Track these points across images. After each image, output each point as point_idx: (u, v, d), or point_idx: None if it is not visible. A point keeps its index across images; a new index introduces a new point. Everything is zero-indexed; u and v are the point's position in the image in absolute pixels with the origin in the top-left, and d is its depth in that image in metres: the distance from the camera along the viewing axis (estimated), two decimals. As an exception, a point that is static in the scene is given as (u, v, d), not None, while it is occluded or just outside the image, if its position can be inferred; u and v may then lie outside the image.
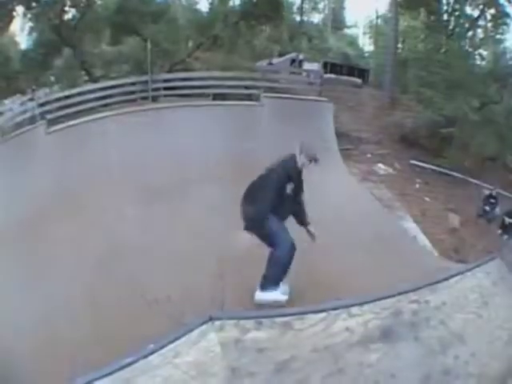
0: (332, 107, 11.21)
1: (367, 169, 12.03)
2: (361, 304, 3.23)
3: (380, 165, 12.37)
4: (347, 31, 23.94)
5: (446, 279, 3.65)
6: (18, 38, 17.77)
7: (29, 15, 14.80)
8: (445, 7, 16.26)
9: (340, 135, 11.44)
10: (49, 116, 11.62)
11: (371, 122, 14.66)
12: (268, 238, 5.27)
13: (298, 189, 5.44)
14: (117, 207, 9.10)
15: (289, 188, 5.22)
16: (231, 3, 16.31)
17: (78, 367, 3.96)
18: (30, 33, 15.78)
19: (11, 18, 14.54)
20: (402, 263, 6.95)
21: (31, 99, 12.62)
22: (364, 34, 23.88)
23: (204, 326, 3.04)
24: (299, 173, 5.35)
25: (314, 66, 15.86)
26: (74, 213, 9.04)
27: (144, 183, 9.59)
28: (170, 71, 13.69)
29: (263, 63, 16.59)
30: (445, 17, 16.17)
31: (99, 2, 15.34)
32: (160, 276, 7.25)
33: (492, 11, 15.97)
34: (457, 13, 15.97)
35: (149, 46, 12.41)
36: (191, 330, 3.02)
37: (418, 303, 3.36)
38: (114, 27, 14.83)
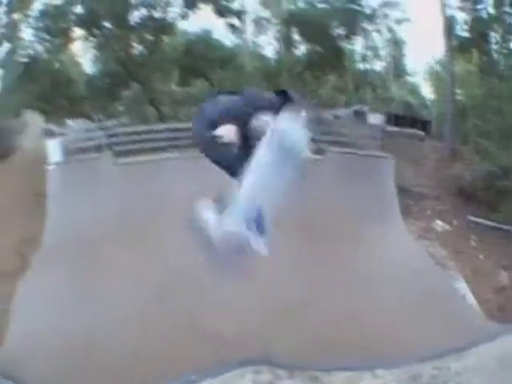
0: (393, 163, 11.27)
1: (425, 226, 11.83)
2: (385, 367, 3.37)
3: (438, 221, 12.14)
4: (409, 79, 23.57)
5: (472, 345, 3.67)
6: (80, 60, 18.09)
7: (91, 42, 15.17)
8: (494, 46, 15.75)
9: (402, 190, 11.49)
10: (117, 148, 12.44)
11: (432, 176, 14.32)
12: None
13: None
14: (177, 243, 9.49)
15: None
16: (297, 52, 16.79)
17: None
18: (94, 60, 16.33)
19: (68, 38, 14.82)
20: (447, 321, 6.92)
21: (101, 128, 13.45)
22: (425, 80, 23.43)
23: (242, 368, 3.38)
24: None
25: (378, 119, 15.86)
26: (133, 242, 9.64)
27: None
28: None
29: (330, 114, 16.84)
30: (495, 57, 15.67)
31: (167, 41, 15.64)
32: (214, 312, 7.53)
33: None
34: (505, 51, 15.43)
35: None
36: (231, 370, 3.38)
37: (440, 369, 3.43)
38: (182, 69, 15.30)
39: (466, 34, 16.28)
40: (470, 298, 8.59)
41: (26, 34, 14.95)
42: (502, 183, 12.24)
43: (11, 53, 15.71)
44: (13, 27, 15.03)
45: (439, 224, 12.02)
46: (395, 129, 16.46)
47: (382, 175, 11.07)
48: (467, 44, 16.16)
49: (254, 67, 16.47)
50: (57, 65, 14.86)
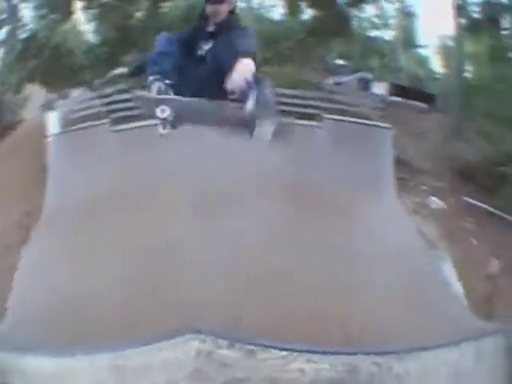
0: (391, 134, 11.09)
1: (420, 201, 11.67)
2: (323, 353, 3.50)
3: (434, 198, 11.97)
4: (419, 51, 22.80)
5: (423, 349, 3.67)
6: (82, 27, 17.64)
7: (90, 14, 15.30)
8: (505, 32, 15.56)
9: (400, 163, 11.33)
10: (114, 115, 12.40)
11: (434, 152, 13.99)
12: None
13: None
14: (170, 208, 9.78)
15: None
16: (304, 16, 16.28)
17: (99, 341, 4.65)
18: (94, 30, 16.20)
19: (67, 12, 15.00)
20: (427, 308, 6.91)
21: (99, 96, 13.43)
22: (435, 54, 22.62)
23: (191, 335, 3.92)
24: None
25: (382, 88, 15.50)
26: (126, 207, 9.89)
27: (196, 191, 10.12)
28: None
29: (332, 80, 16.55)
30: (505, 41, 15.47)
31: (165, 10, 15.59)
32: (190, 280, 7.83)
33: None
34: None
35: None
36: (182, 334, 3.93)
37: (380, 367, 3.48)
38: (180, 35, 15.15)
39: (476, 16, 15.99)
40: (456, 285, 8.49)
41: (27, 13, 15.33)
42: (504, 169, 12.03)
43: (11, 32, 15.90)
44: (13, 9, 15.36)
45: (434, 201, 11.86)
46: (398, 99, 16.14)
47: (379, 146, 10.97)
48: (477, 25, 15.79)
49: (256, 31, 15.92)
50: (57, 38, 14.85)
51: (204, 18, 3.33)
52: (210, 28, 3.27)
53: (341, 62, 18.52)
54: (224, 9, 3.23)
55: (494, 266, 9.44)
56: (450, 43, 19.44)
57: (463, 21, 15.77)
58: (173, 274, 8.08)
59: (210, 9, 3.25)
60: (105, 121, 12.20)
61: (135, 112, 12.42)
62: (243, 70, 2.69)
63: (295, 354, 3.62)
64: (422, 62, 22.27)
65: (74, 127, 12.40)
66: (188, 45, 3.26)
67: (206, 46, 3.23)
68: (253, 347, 3.73)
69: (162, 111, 2.99)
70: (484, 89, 14.29)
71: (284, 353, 3.64)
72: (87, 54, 14.99)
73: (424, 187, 12.48)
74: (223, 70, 2.81)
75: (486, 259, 9.69)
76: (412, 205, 11.25)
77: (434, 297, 7.41)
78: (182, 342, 3.96)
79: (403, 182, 11.56)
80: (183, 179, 10.51)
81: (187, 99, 3.01)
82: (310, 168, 10.45)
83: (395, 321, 6.51)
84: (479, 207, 11.79)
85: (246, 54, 2.74)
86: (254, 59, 2.84)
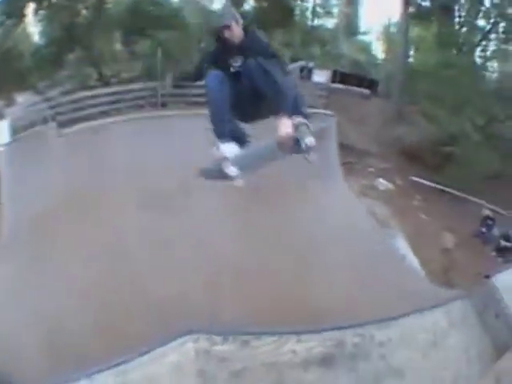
0: (335, 121, 11.32)
1: (368, 183, 12.10)
2: (310, 332, 3.73)
3: (381, 180, 12.41)
4: (361, 37, 23.32)
5: (400, 317, 3.94)
6: (31, 29, 17.42)
7: (40, 14, 14.93)
8: (456, 19, 16.14)
9: (345, 148, 11.56)
10: (60, 118, 12.07)
11: (377, 135, 14.53)
12: None
13: None
14: (122, 209, 9.55)
15: None
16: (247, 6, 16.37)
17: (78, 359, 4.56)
18: (42, 31, 15.92)
19: (22, 16, 14.66)
20: (385, 283, 7.21)
21: (45, 99, 13.03)
22: (378, 40, 23.24)
23: (185, 337, 3.85)
24: None
25: (324, 76, 15.81)
26: (81, 212, 9.51)
27: (149, 187, 9.99)
28: (181, 78, 13.94)
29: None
30: (456, 28, 16.07)
31: (110, 5, 15.47)
32: (158, 279, 7.71)
33: (503, 24, 15.55)
34: (465, 28, 15.88)
35: (159, 52, 12.64)
36: (175, 339, 3.85)
37: (363, 337, 3.75)
38: (125, 29, 15.11)
39: (426, 4, 16.77)
40: (412, 259, 8.90)
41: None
42: (449, 148, 12.72)
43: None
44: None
45: (382, 182, 12.33)
46: (340, 86, 16.55)
47: (323, 133, 11.12)
48: (426, 13, 16.56)
49: (199, 23, 15.89)
50: (10, 42, 14.40)
51: (221, 40, 3.45)
52: (233, 47, 3.43)
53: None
54: (235, 31, 3.39)
55: (449, 239, 10.00)
56: (393, 29, 20.28)
57: (411, 8, 16.28)
58: (143, 274, 8.00)
59: (222, 36, 3.41)
60: (52, 125, 11.81)
61: (81, 114, 12.38)
62: (284, 133, 3.44)
63: (285, 336, 3.78)
64: (365, 48, 22.93)
65: (22, 134, 11.86)
66: (220, 64, 3.45)
67: (237, 64, 3.44)
68: (245, 337, 3.87)
69: (233, 172, 3.68)
70: (429, 74, 14.78)
71: (275, 337, 3.80)
72: (34, 55, 14.63)
73: (371, 169, 12.94)
74: (258, 90, 3.26)
75: (439, 233, 10.24)
76: (360, 187, 11.61)
77: (392, 272, 7.73)
78: (178, 345, 3.92)
79: (350, 165, 11.93)
80: (135, 179, 10.32)
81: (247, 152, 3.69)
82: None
83: (358, 299, 6.79)
84: (427, 185, 12.38)
85: (286, 114, 3.34)
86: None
